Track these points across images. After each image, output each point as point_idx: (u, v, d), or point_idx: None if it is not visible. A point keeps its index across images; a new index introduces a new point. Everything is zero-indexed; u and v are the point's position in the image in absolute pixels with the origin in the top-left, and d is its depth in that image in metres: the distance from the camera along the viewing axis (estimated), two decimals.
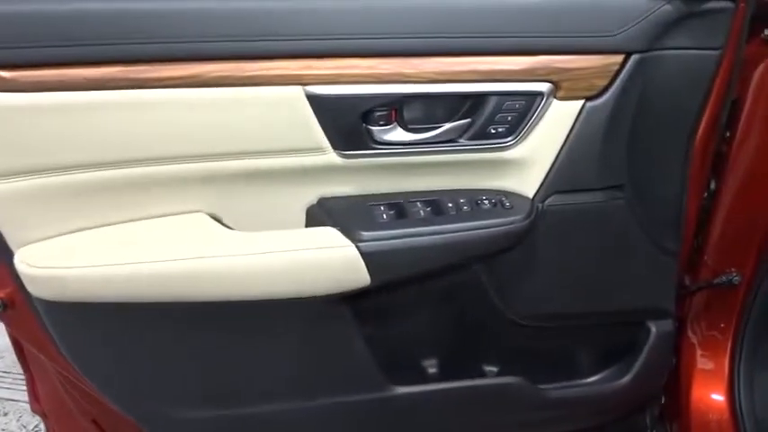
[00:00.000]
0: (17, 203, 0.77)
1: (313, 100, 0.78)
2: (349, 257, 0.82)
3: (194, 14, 0.74)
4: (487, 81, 0.82)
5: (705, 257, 1.07)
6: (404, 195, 0.88)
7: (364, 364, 0.95)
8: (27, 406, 1.15)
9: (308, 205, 0.89)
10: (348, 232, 0.83)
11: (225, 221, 0.87)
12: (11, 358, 1.78)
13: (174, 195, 0.83)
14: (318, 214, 0.87)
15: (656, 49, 0.83)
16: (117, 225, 0.83)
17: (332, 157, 0.83)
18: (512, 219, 0.86)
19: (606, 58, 0.82)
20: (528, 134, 0.85)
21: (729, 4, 0.82)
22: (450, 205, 0.87)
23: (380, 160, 0.85)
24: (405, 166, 0.87)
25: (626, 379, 1.05)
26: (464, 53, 0.80)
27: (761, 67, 0.93)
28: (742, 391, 1.06)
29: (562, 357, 1.08)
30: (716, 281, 1.05)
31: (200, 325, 0.87)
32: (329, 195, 0.88)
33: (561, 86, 0.83)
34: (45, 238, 0.80)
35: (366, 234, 0.83)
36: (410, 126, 0.85)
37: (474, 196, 0.89)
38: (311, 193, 0.88)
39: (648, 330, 1.04)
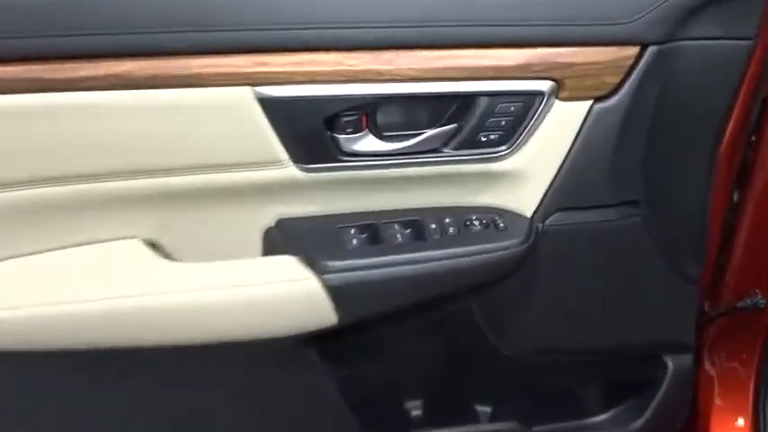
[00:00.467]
0: None
1: (265, 103, 0.73)
2: (312, 292, 0.77)
3: (117, 0, 0.68)
4: (477, 79, 0.77)
5: (726, 278, 1.03)
6: (378, 215, 0.84)
7: (336, 413, 0.92)
8: None
9: (264, 228, 0.84)
10: (311, 261, 0.78)
11: (166, 249, 0.83)
12: None
13: (102, 218, 0.78)
14: (277, 239, 0.82)
15: (677, 40, 0.78)
16: (31, 256, 0.78)
17: (291, 170, 0.78)
18: (507, 243, 0.82)
19: (618, 51, 0.77)
20: (525, 142, 0.81)
21: None
22: (433, 227, 0.82)
23: (349, 174, 0.80)
24: (379, 181, 0.82)
25: (639, 422, 1.03)
26: (449, 45, 0.75)
27: None
28: None
29: (565, 398, 1.06)
30: (739, 305, 1.02)
31: (135, 373, 0.83)
32: (289, 216, 0.83)
33: (564, 85, 0.78)
34: None
35: (332, 264, 0.78)
36: (384, 134, 0.80)
37: (462, 216, 0.84)
38: (268, 214, 0.83)
39: (665, 366, 1.01)
